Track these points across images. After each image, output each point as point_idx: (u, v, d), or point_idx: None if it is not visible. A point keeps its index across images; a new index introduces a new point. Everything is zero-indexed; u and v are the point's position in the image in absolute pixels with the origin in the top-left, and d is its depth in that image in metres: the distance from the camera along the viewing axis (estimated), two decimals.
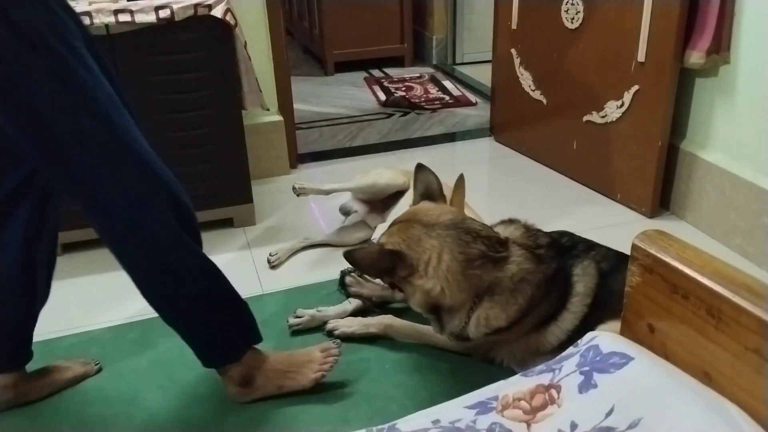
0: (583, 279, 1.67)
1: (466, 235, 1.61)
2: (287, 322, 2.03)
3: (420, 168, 1.81)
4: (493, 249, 1.62)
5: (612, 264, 1.69)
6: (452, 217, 1.66)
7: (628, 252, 1.69)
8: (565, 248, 1.73)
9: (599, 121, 2.74)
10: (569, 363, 0.92)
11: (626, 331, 0.95)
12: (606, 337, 0.92)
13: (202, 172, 2.47)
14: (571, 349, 0.95)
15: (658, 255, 0.87)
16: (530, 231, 1.76)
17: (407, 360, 1.89)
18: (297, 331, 2.01)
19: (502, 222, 1.82)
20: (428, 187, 1.77)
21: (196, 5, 2.21)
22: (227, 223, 2.62)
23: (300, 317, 2.02)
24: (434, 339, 1.88)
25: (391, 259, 1.59)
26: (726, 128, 2.37)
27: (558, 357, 0.97)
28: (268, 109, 2.80)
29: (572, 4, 2.73)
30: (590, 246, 1.76)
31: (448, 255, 1.58)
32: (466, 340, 1.72)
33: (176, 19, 2.20)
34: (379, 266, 1.61)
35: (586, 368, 0.89)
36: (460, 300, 1.62)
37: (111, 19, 2.14)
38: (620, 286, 1.57)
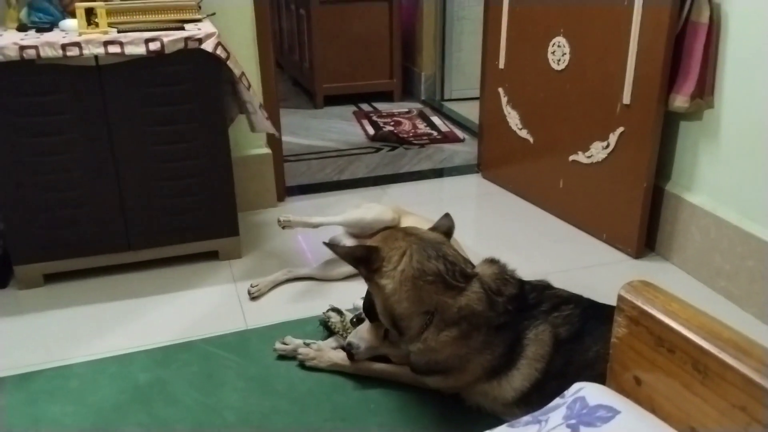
0: (534, 344, 1.66)
1: (432, 250, 1.70)
2: (274, 346, 2.05)
3: (445, 216, 1.94)
4: (451, 274, 1.68)
5: (574, 329, 1.66)
6: (433, 236, 1.78)
7: (610, 296, 1.69)
8: (527, 305, 1.71)
9: (585, 161, 2.76)
10: (556, 415, 0.91)
11: (612, 382, 0.94)
12: (592, 389, 0.91)
13: (188, 203, 2.46)
14: (557, 400, 0.94)
15: (644, 307, 0.87)
16: (503, 276, 1.75)
17: (391, 400, 1.87)
18: (279, 358, 2.04)
19: (484, 261, 1.83)
20: (437, 227, 1.89)
21: (186, 39, 2.22)
22: (212, 255, 2.60)
23: (286, 344, 2.05)
24: (403, 378, 1.91)
25: (366, 251, 1.74)
26: (711, 171, 2.40)
27: (544, 408, 0.96)
28: (276, 135, 2.80)
29: (558, 45, 2.78)
30: (557, 305, 1.71)
31: (407, 258, 1.69)
32: (421, 372, 1.78)
33: (166, 51, 2.21)
34: (354, 254, 1.75)
35: (573, 421, 0.88)
36: (407, 309, 1.68)
37: (100, 50, 2.15)
38: (582, 356, 1.59)
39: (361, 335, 1.93)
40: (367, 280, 1.77)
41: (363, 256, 1.73)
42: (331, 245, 1.82)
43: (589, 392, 0.89)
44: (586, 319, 1.66)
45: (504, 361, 1.67)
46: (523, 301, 1.71)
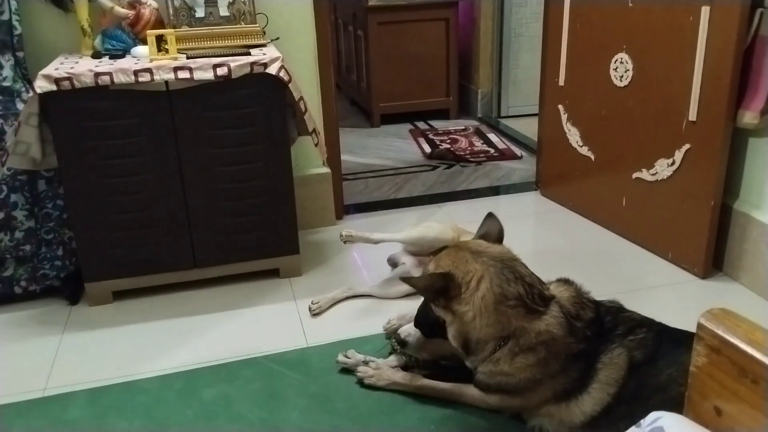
0: (607, 368, 1.61)
1: (509, 272, 1.65)
2: (336, 358, 2.08)
3: (489, 216, 1.88)
4: (531, 298, 1.64)
5: (649, 352, 1.61)
6: (501, 252, 1.72)
7: (678, 317, 1.64)
8: (604, 329, 1.67)
9: (649, 178, 2.70)
10: None
11: (691, 412, 0.91)
12: (670, 419, 0.88)
13: (251, 223, 2.51)
14: (633, 429, 0.92)
15: (725, 336, 0.84)
16: (580, 298, 1.72)
17: (452, 422, 1.85)
18: (340, 372, 2.07)
19: (558, 280, 1.79)
20: (488, 230, 1.84)
21: (252, 63, 2.27)
22: (273, 273, 2.64)
23: (348, 358, 2.07)
24: (464, 398, 1.89)
25: (444, 280, 1.66)
26: None
27: None
28: (323, 162, 2.88)
29: (621, 62, 2.74)
30: (631, 329, 1.67)
31: (486, 284, 1.63)
32: (486, 389, 1.75)
33: (233, 76, 2.27)
34: (435, 287, 1.67)
35: None
36: (486, 335, 1.65)
37: (170, 75, 2.22)
38: (654, 379, 1.55)
39: (410, 329, 1.93)
40: (437, 305, 1.73)
41: (442, 287, 1.66)
42: (407, 279, 1.76)
43: (667, 422, 0.87)
44: (659, 343, 1.62)
45: (576, 384, 1.64)
46: (600, 326, 1.67)
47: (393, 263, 2.59)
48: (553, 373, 1.64)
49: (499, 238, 1.82)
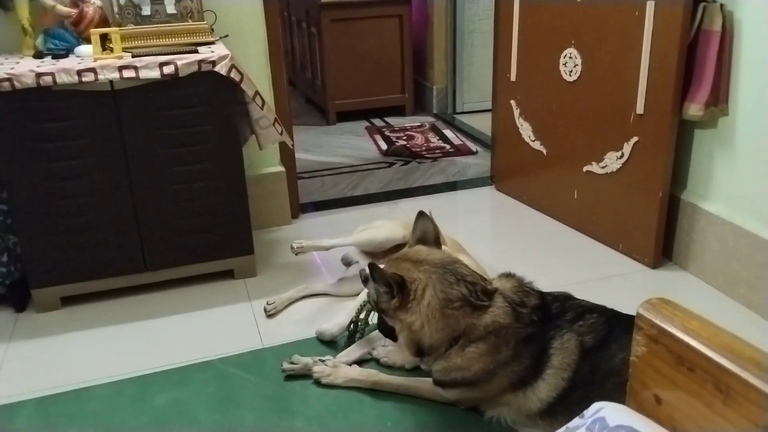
0: (559, 353, 1.65)
1: (450, 276, 1.69)
2: (282, 367, 2.04)
3: (420, 215, 1.89)
4: (475, 295, 1.68)
5: (600, 337, 1.65)
6: (441, 257, 1.75)
7: (628, 307, 1.68)
8: (551, 315, 1.71)
9: (599, 171, 2.75)
10: None
11: (632, 401, 0.93)
12: (612, 409, 0.90)
13: (203, 223, 2.47)
14: (576, 421, 0.93)
15: (663, 325, 0.86)
16: (523, 287, 1.76)
17: (409, 418, 1.86)
18: (291, 377, 2.03)
19: (501, 275, 1.83)
20: (424, 234, 1.86)
21: (199, 62, 2.24)
22: (228, 274, 2.61)
23: (294, 364, 2.04)
24: (420, 392, 1.91)
25: (402, 280, 1.67)
26: (727, 179, 2.38)
27: (563, 428, 0.96)
28: (290, 144, 2.87)
29: (570, 57, 2.77)
30: (581, 314, 1.71)
31: (430, 291, 1.67)
32: (444, 386, 1.78)
33: (180, 75, 2.22)
34: (395, 278, 1.67)
35: None
36: (437, 340, 1.68)
37: (115, 75, 2.17)
38: (607, 363, 1.58)
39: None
40: (386, 314, 1.75)
41: (400, 283, 1.67)
42: (373, 266, 1.71)
43: (609, 412, 0.88)
44: (611, 328, 1.66)
45: (530, 371, 1.67)
46: (547, 312, 1.71)
47: (347, 262, 2.58)
48: (506, 360, 1.67)
49: (436, 239, 1.84)
